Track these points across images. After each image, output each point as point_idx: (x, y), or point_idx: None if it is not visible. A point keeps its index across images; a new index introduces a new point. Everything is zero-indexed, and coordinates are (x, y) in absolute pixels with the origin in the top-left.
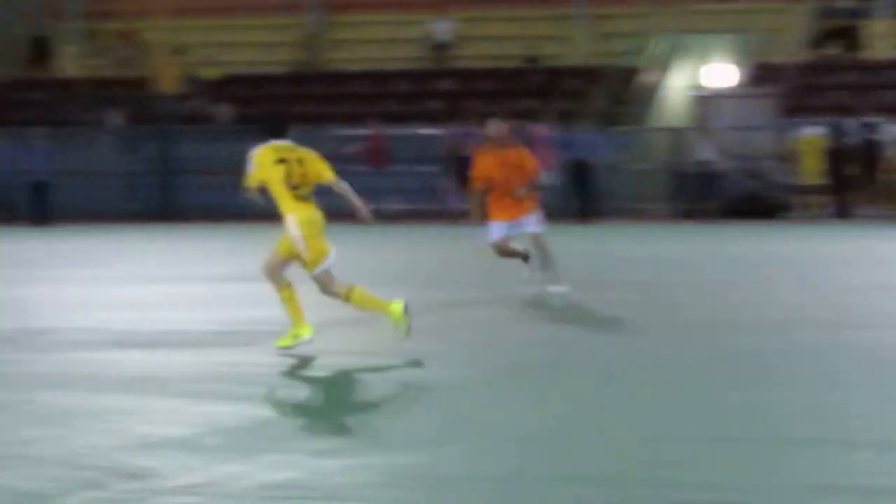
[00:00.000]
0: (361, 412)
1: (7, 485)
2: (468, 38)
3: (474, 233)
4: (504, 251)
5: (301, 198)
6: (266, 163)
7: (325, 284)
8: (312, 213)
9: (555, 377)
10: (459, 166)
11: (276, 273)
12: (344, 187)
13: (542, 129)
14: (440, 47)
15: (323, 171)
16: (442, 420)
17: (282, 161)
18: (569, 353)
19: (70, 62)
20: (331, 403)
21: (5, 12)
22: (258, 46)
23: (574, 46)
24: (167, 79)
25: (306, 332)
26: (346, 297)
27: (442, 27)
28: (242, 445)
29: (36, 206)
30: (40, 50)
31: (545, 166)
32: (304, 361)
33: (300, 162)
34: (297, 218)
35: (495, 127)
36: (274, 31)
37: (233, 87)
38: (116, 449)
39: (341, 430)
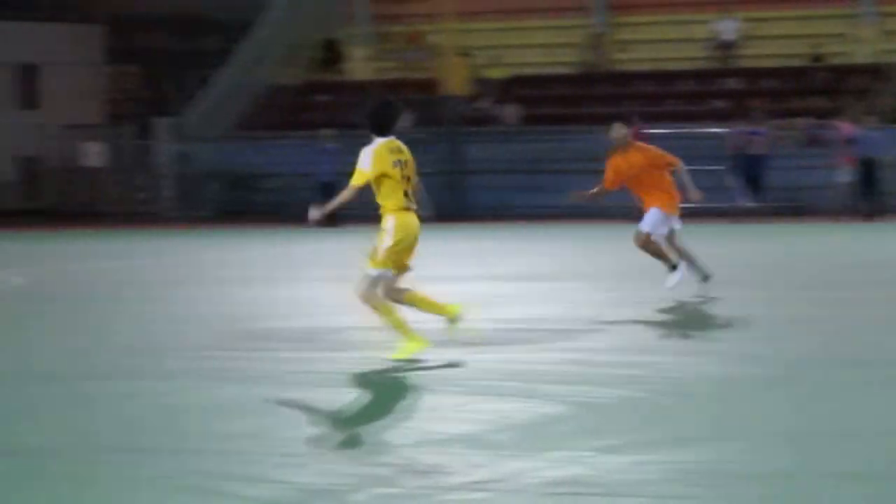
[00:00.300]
0: (645, 410)
1: (297, 481)
2: (753, 37)
3: (761, 230)
4: (650, 247)
5: (408, 208)
6: (386, 162)
7: (366, 287)
8: (414, 222)
9: (832, 375)
10: (746, 165)
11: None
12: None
13: (847, 128)
14: (725, 46)
15: (415, 178)
16: (718, 416)
17: (398, 163)
18: (847, 349)
19: (359, 65)
20: (617, 401)
21: (298, 16)
22: (544, 48)
23: (860, 44)
24: (455, 81)
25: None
26: (374, 307)
27: (727, 26)
28: (529, 442)
29: None
30: (331, 53)
31: (845, 164)
32: (589, 359)
33: (408, 166)
34: (399, 222)
35: (616, 130)
36: (559, 32)
37: (519, 89)
38: (405, 446)
39: (624, 427)
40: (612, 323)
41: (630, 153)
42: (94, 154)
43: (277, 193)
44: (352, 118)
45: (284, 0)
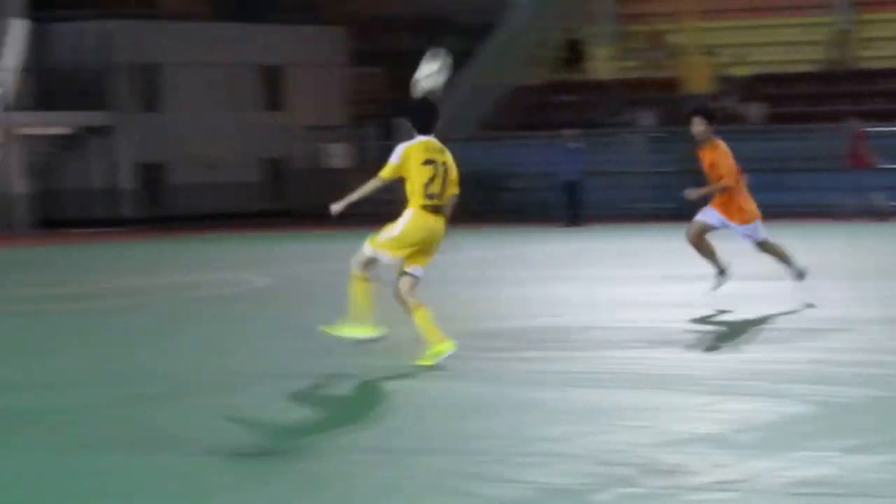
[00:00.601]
0: (893, 409)
1: (538, 480)
2: None
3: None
4: (699, 242)
5: (431, 208)
6: (414, 160)
7: (356, 260)
8: (433, 224)
9: None
10: None
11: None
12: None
13: None
14: None
15: (454, 184)
16: None
17: (429, 162)
18: None
19: (602, 64)
20: (863, 400)
21: (540, 17)
22: (788, 45)
23: None
24: (697, 79)
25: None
26: (353, 280)
27: None
28: (774, 442)
29: (568, 205)
30: (573, 53)
31: None
32: (834, 359)
33: (446, 169)
34: (413, 218)
35: (694, 126)
36: (803, 29)
37: (763, 87)
38: (647, 445)
39: (871, 427)
40: (857, 322)
41: (707, 150)
42: (337, 155)
43: (521, 193)
44: (595, 117)
45: (527, 0)
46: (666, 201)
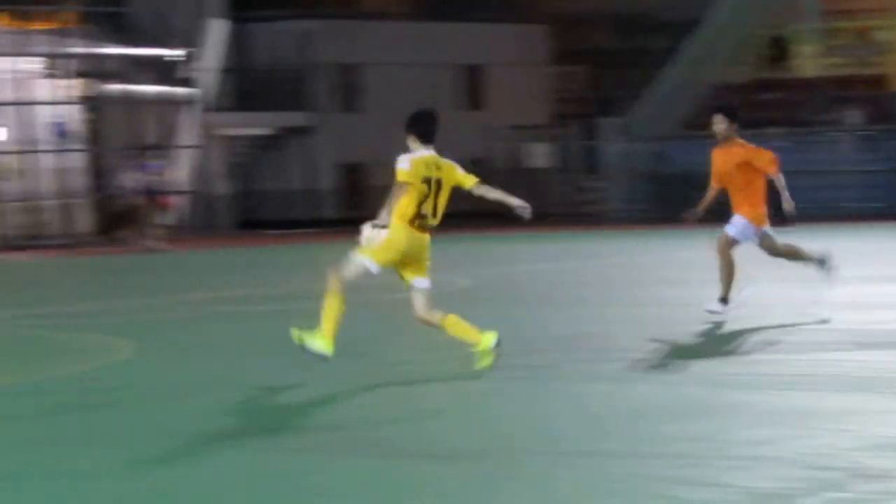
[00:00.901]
0: None
1: (743, 484)
2: None
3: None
4: (725, 255)
5: (419, 226)
6: (416, 175)
7: (343, 267)
8: (418, 237)
9: None
10: None
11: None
12: (486, 190)
13: None
14: None
15: (463, 180)
16: None
17: (426, 180)
18: None
19: (807, 62)
20: None
21: (744, 14)
22: None
23: None
24: None
25: None
26: (329, 287)
27: None
28: None
29: (773, 205)
30: (778, 50)
31: None
32: None
33: (439, 186)
34: (398, 231)
35: (715, 123)
36: None
37: None
38: (854, 450)
39: None
40: None
41: (732, 148)
42: (539, 154)
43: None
44: (800, 116)
45: None
46: (874, 200)
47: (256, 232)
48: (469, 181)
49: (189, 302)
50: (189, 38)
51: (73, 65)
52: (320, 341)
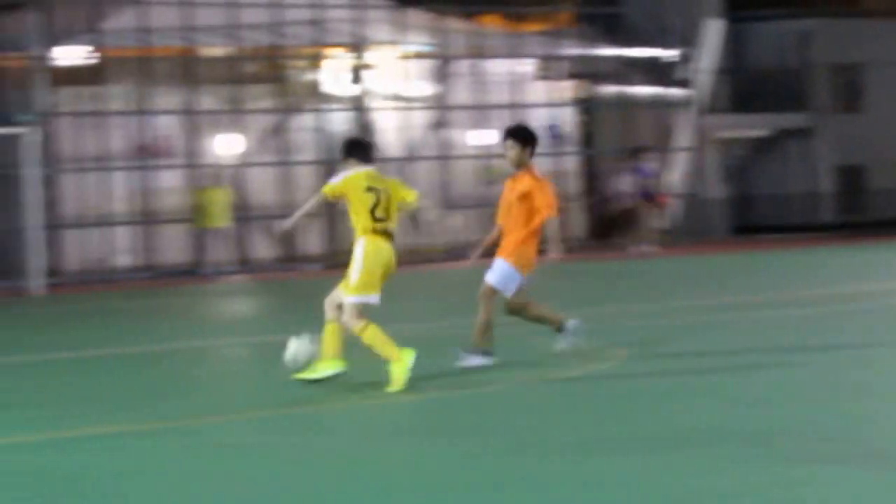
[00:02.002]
0: None
1: None
2: None
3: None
4: (518, 309)
5: (380, 231)
6: (355, 185)
7: (349, 315)
8: (385, 249)
9: None
10: None
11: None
12: (425, 204)
13: None
14: None
15: (407, 195)
16: None
17: (371, 189)
18: None
19: None
20: None
21: None
22: None
23: None
24: None
25: (337, 366)
26: (360, 333)
27: None
28: None
29: None
30: None
31: None
32: None
33: (387, 194)
34: (366, 246)
35: (506, 149)
36: None
37: None
38: None
39: None
40: None
41: (518, 179)
42: None
43: None
44: None
45: None
46: None
47: (752, 237)
48: (411, 197)
49: (682, 308)
50: (684, 39)
51: (567, 66)
52: (397, 367)
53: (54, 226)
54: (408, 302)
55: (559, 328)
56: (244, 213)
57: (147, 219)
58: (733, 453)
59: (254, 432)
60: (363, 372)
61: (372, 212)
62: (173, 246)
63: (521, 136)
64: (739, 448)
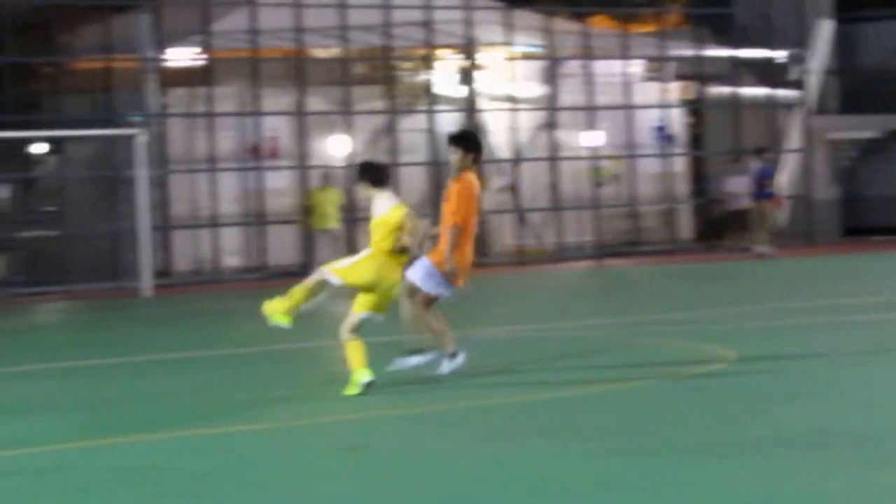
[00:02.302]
0: None
1: None
2: None
3: None
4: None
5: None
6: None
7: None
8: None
9: None
10: None
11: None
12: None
13: None
14: None
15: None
16: None
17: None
18: None
19: None
20: None
21: None
22: None
23: None
24: None
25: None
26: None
27: None
28: None
29: None
30: None
31: None
32: None
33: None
34: (372, 259)
35: (450, 153)
36: None
37: None
38: None
39: None
40: None
41: (450, 184)
42: None
43: None
44: None
45: None
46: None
47: (862, 238)
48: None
49: (794, 310)
50: (794, 40)
51: (675, 67)
52: (353, 381)
53: (164, 227)
54: (518, 303)
55: (429, 350)
56: (353, 215)
57: (256, 220)
58: (840, 456)
59: (368, 433)
60: (473, 373)
61: (395, 246)
62: (282, 247)
63: (464, 143)
64: (846, 451)
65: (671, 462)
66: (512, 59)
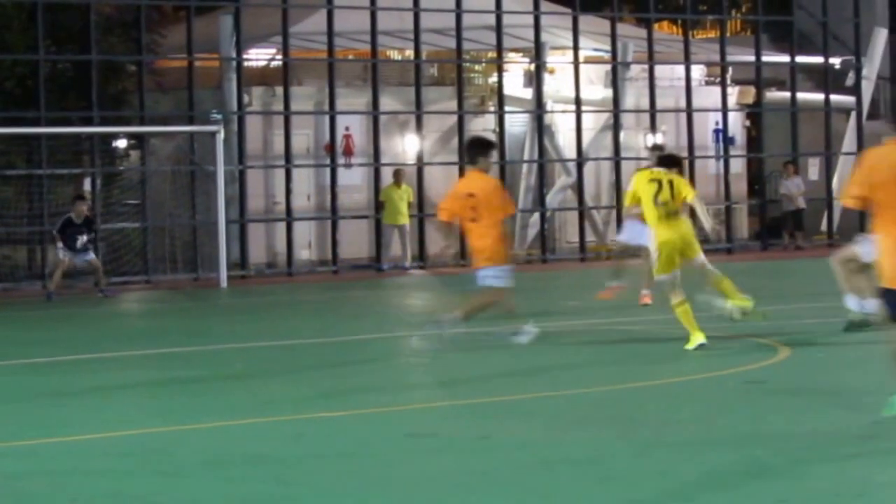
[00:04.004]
0: None
1: None
2: None
3: None
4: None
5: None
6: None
7: (667, 291)
8: (674, 231)
9: None
10: None
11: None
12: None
13: None
14: None
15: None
16: None
17: (654, 181)
18: None
19: None
20: None
21: None
22: None
23: None
24: None
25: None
26: (674, 307)
27: None
28: None
29: None
30: None
31: None
32: None
33: (669, 184)
34: (658, 236)
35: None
36: None
37: None
38: None
39: None
40: None
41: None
42: None
43: None
44: None
45: None
46: None
47: None
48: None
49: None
50: (852, 46)
51: (736, 72)
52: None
53: (241, 220)
54: (583, 297)
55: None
56: (423, 212)
57: (329, 215)
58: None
59: (451, 420)
60: (540, 366)
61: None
62: (353, 241)
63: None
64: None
65: (723, 452)
66: (579, 62)
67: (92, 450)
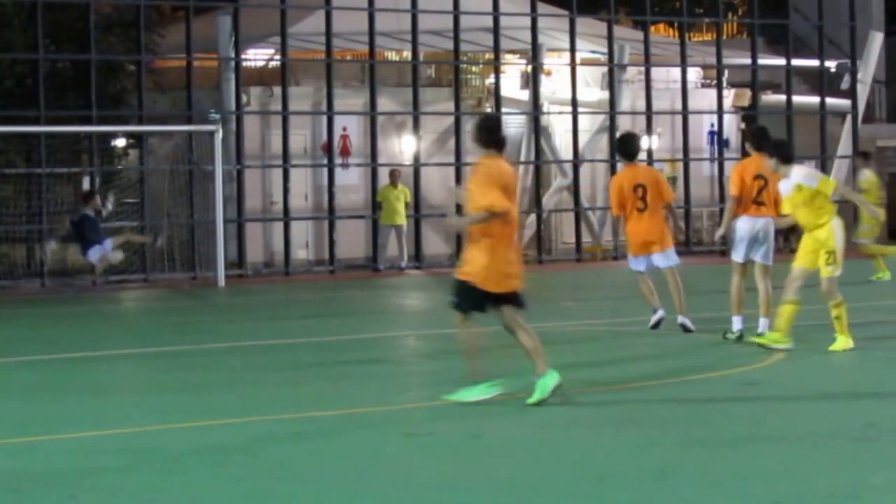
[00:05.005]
0: None
1: None
2: None
3: None
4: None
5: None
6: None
7: (827, 287)
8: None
9: None
10: None
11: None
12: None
13: None
14: None
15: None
16: None
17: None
18: None
19: None
20: None
21: None
22: None
23: None
24: None
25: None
26: (834, 306)
27: None
28: None
29: None
30: None
31: None
32: None
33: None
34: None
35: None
36: None
37: None
38: None
39: None
40: None
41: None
42: None
43: None
44: None
45: None
46: None
47: None
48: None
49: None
50: (847, 50)
51: (730, 75)
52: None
53: (238, 220)
54: (584, 298)
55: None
56: (420, 213)
57: (327, 215)
58: (888, 450)
59: (445, 419)
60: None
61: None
62: (350, 241)
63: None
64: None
65: (726, 453)
66: (575, 64)
67: (90, 447)
